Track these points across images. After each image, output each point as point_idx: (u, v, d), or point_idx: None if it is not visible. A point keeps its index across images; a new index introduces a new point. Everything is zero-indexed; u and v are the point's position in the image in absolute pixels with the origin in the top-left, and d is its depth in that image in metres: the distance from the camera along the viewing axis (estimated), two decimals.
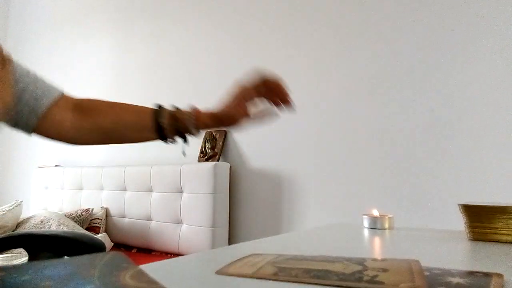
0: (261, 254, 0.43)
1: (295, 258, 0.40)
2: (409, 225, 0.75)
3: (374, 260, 0.40)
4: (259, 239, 0.54)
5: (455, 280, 0.32)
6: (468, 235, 0.57)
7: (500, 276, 0.33)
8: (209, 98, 2.15)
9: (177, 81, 2.30)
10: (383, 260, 0.40)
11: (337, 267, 0.36)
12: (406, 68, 1.54)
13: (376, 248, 0.54)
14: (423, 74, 1.50)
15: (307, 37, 1.81)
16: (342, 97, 1.68)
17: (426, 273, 0.34)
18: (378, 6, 1.62)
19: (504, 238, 0.53)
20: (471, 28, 1.41)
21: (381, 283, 0.31)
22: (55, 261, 0.22)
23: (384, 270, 0.35)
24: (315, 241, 0.57)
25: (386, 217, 0.72)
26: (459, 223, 0.59)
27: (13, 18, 3.55)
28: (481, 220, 0.54)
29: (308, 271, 0.35)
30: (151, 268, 0.37)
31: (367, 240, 0.61)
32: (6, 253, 1.80)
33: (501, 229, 0.53)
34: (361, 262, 0.38)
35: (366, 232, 0.69)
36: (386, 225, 0.72)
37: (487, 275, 0.34)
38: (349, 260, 0.39)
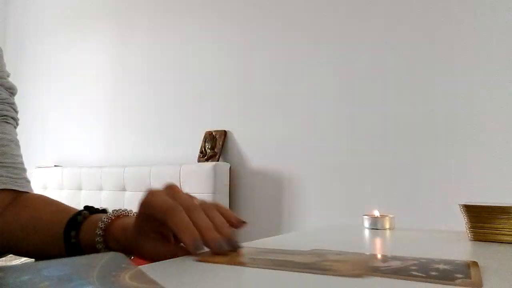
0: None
1: (275, 252, 0.43)
2: (410, 226, 0.75)
3: (338, 254, 0.42)
4: (259, 239, 0.54)
5: (440, 266, 0.34)
6: (469, 235, 0.57)
7: (475, 262, 0.36)
8: (209, 100, 2.15)
9: (177, 82, 2.30)
10: (344, 254, 0.42)
11: (301, 259, 0.38)
12: (406, 68, 1.54)
13: (376, 249, 0.54)
14: (423, 74, 1.50)
15: (307, 37, 1.81)
16: (342, 97, 1.68)
17: (414, 262, 0.35)
18: (378, 5, 1.62)
19: (506, 238, 0.53)
20: (471, 27, 1.41)
21: (332, 270, 0.33)
22: (54, 262, 0.22)
23: (342, 261, 0.37)
24: (315, 241, 0.57)
25: (387, 218, 0.72)
26: (460, 223, 0.59)
27: (13, 20, 3.55)
28: (482, 220, 0.54)
29: (272, 261, 0.38)
30: (150, 269, 0.37)
31: (367, 241, 0.61)
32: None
33: (503, 229, 0.53)
34: (323, 254, 0.40)
35: (366, 232, 0.69)
36: (387, 226, 0.72)
37: (464, 262, 0.36)
38: (317, 254, 0.41)
